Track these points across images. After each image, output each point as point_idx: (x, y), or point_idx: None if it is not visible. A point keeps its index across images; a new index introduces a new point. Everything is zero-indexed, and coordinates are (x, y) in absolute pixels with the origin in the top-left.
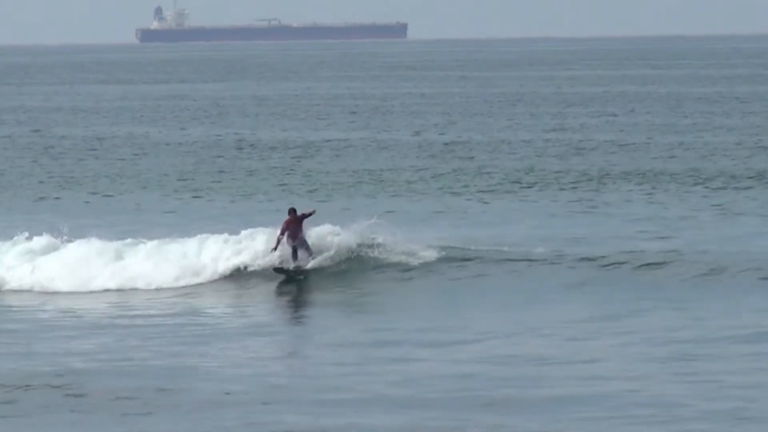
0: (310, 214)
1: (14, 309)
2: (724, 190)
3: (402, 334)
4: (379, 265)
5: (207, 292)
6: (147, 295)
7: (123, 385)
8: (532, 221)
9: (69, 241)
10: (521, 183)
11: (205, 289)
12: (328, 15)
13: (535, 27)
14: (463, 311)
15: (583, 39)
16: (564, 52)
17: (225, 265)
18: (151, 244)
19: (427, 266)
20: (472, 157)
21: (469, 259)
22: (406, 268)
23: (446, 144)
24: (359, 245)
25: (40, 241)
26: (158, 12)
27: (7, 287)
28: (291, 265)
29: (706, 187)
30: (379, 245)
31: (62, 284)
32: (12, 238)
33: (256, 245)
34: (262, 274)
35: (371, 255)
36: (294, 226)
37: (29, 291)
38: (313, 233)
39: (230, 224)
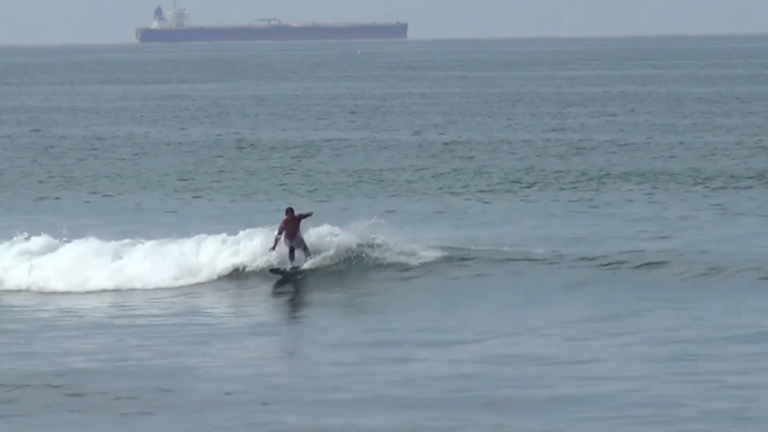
0: (307, 215)
1: (14, 309)
2: (724, 190)
3: (402, 334)
4: (379, 265)
5: (207, 292)
6: (146, 295)
7: (123, 385)
8: (532, 221)
9: (68, 241)
10: (521, 183)
11: (205, 289)
12: (328, 15)
13: (535, 27)
14: (463, 311)
15: (583, 39)
16: (564, 52)
17: (223, 265)
18: (149, 244)
19: (427, 266)
20: (472, 157)
21: (469, 259)
22: (406, 268)
23: (446, 144)
24: (359, 245)
25: (38, 241)
26: (158, 12)
27: (4, 287)
28: (288, 266)
29: (706, 187)
30: (379, 245)
31: (59, 284)
32: (11, 238)
33: (254, 245)
34: (261, 274)
35: (371, 255)
36: (291, 226)
37: (27, 291)
38: (312, 233)
39: (230, 224)
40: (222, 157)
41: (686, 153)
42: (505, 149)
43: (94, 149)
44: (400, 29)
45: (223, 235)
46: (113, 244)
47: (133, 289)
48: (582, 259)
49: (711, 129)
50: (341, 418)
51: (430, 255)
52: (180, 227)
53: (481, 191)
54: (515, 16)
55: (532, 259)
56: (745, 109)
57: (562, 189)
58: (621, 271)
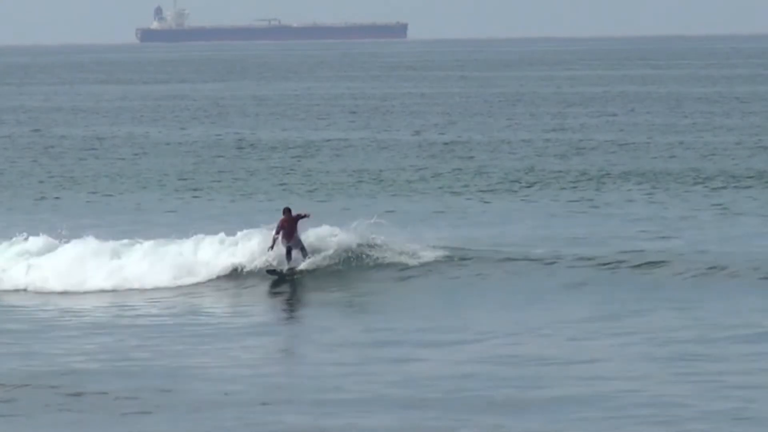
0: (305, 216)
1: (14, 309)
2: (724, 190)
3: (402, 334)
4: (379, 265)
5: (206, 293)
6: (146, 295)
7: (122, 385)
8: (532, 221)
9: (67, 241)
10: (521, 183)
11: (204, 289)
12: (328, 15)
13: (535, 27)
14: (463, 311)
15: (583, 39)
16: (564, 52)
17: (221, 265)
18: (147, 245)
19: (427, 266)
20: (472, 157)
21: (469, 259)
22: (406, 268)
23: (446, 144)
24: (359, 245)
25: (36, 241)
26: (158, 12)
27: (3, 288)
28: (285, 267)
29: (706, 187)
30: (378, 245)
31: (56, 284)
32: (11, 238)
33: (252, 245)
34: (260, 274)
35: (371, 255)
36: (289, 226)
37: (24, 291)
38: (312, 234)
39: (230, 224)
40: (222, 157)
41: (686, 153)
42: (505, 149)
43: (94, 149)
44: (400, 29)
45: (221, 235)
46: (111, 244)
47: (131, 290)
48: (582, 259)
49: (711, 129)
50: (341, 418)
51: (430, 255)
52: (180, 227)
53: (481, 191)
54: (515, 16)
55: (531, 259)
56: (745, 109)
57: (562, 189)
58: (621, 271)
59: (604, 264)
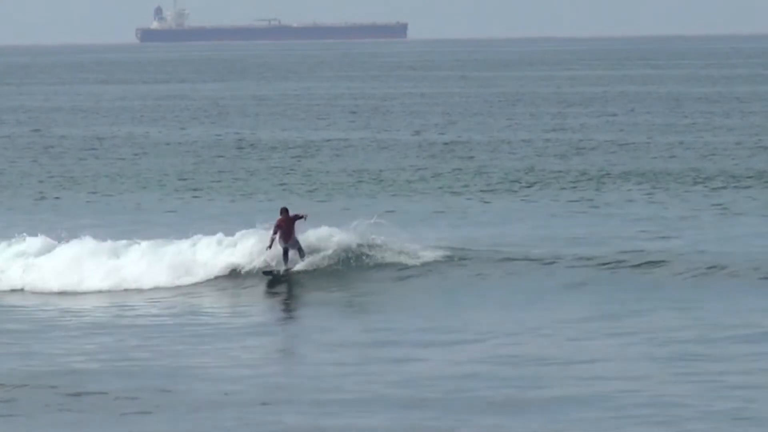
0: (302, 217)
1: (13, 309)
2: (724, 190)
3: (402, 334)
4: (379, 265)
5: (205, 293)
6: (145, 296)
7: (122, 385)
8: (532, 221)
9: (66, 241)
10: (521, 183)
11: (203, 289)
12: (328, 15)
13: (535, 27)
14: (463, 311)
15: (583, 39)
16: (564, 52)
17: (219, 265)
18: (145, 245)
19: (427, 266)
20: (472, 157)
21: (469, 259)
22: (405, 268)
23: (446, 144)
24: (358, 245)
25: (35, 242)
26: (158, 12)
27: (1, 288)
28: (282, 268)
29: (706, 187)
30: (378, 245)
31: (54, 285)
32: (11, 238)
33: (250, 246)
34: (259, 274)
35: (371, 255)
36: (286, 226)
37: (22, 291)
38: (311, 235)
39: (230, 224)
40: (222, 157)
41: (686, 153)
42: (505, 149)
43: (94, 149)
44: (400, 29)
45: (219, 235)
46: (109, 245)
47: (129, 290)
48: (582, 259)
49: (711, 129)
50: (341, 418)
51: (430, 255)
52: (180, 227)
53: (481, 191)
54: (515, 16)
55: (531, 259)
56: (745, 109)
57: (562, 189)
58: (621, 271)
59: (604, 264)
